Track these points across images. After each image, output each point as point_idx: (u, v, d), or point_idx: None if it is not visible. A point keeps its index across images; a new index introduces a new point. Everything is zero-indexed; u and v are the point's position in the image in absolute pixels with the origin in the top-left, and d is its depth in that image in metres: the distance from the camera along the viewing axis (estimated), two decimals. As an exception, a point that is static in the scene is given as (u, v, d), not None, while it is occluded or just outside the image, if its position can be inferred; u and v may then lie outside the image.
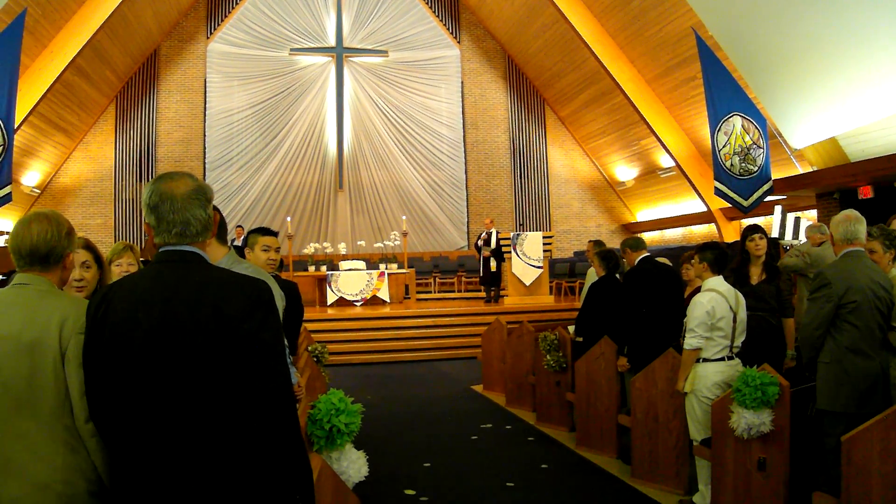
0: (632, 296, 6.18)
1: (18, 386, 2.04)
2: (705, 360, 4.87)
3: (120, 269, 3.61)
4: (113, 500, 1.95)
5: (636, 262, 6.37)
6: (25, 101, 13.12)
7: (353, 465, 3.26)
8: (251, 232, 4.22)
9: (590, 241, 8.49)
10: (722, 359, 4.84)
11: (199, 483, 1.75)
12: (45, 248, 2.25)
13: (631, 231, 20.52)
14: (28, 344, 2.06)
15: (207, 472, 1.76)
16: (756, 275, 5.71)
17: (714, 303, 4.82)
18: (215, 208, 2.42)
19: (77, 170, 18.42)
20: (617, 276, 6.91)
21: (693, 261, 5.25)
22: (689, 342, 4.84)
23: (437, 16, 20.70)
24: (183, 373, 1.77)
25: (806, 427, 4.44)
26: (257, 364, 1.80)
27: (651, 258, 6.36)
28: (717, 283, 4.98)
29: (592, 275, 7.85)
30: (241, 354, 1.78)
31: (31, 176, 16.83)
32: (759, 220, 14.00)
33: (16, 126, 11.53)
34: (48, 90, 13.87)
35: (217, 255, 2.97)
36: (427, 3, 20.58)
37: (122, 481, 1.85)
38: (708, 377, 4.81)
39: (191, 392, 1.77)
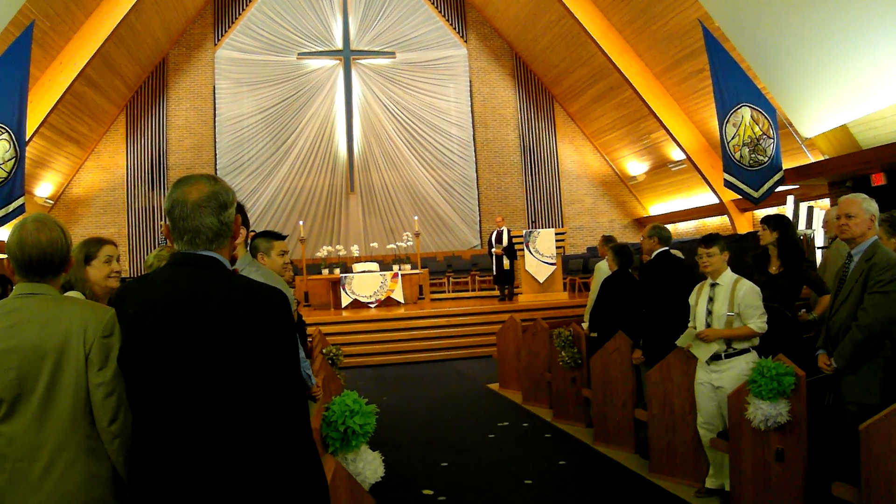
0: (648, 289, 6.15)
1: (39, 395, 2.03)
2: (755, 348, 4.86)
3: None
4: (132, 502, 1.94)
5: (653, 255, 6.30)
6: (36, 112, 13.17)
7: (368, 466, 3.25)
8: (261, 235, 4.07)
9: (602, 237, 8.45)
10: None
11: (210, 487, 1.75)
12: (59, 257, 2.23)
13: (643, 225, 20.41)
14: (49, 352, 2.04)
15: (219, 476, 1.75)
16: (775, 266, 5.69)
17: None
18: (240, 207, 2.39)
19: (89, 180, 18.54)
20: (630, 271, 6.87)
21: (712, 251, 4.97)
22: (761, 325, 4.76)
23: (444, 15, 20.70)
24: (189, 376, 1.76)
25: (823, 416, 4.41)
26: (268, 370, 1.78)
27: (668, 252, 6.31)
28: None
29: (601, 269, 7.77)
30: (252, 361, 1.76)
31: (44, 187, 16.95)
32: (771, 211, 13.94)
33: (27, 138, 11.59)
34: (59, 101, 13.92)
35: (239, 255, 2.96)
36: (433, 4, 20.59)
37: (140, 483, 1.85)
38: None
39: (198, 396, 1.76)
